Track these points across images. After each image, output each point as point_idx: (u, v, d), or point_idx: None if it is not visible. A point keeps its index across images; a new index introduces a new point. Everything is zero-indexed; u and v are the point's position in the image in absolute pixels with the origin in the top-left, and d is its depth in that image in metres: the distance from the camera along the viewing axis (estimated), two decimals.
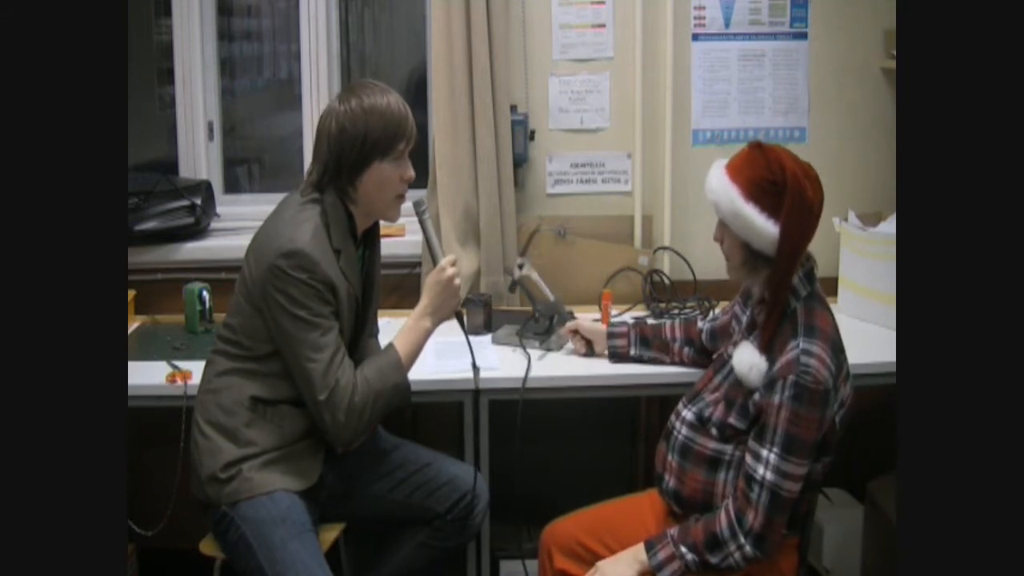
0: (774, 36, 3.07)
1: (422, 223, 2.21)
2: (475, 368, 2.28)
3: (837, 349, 1.94)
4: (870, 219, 2.86)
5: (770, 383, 1.90)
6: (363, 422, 2.06)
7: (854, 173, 3.10)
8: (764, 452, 1.89)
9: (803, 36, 3.07)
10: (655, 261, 3.07)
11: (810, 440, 1.87)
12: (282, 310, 2.02)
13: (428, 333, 2.17)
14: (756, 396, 1.93)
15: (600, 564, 2.02)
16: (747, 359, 1.95)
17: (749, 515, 1.89)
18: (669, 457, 2.09)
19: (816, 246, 2.02)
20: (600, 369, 2.53)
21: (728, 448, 1.99)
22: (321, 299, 2.04)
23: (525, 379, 2.43)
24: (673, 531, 1.98)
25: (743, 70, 3.07)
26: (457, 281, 2.16)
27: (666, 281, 3.02)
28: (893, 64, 2.99)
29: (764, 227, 1.90)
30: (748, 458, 1.92)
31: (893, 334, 2.49)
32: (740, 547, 1.90)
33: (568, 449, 3.14)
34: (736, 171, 1.95)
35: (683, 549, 1.94)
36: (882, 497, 2.74)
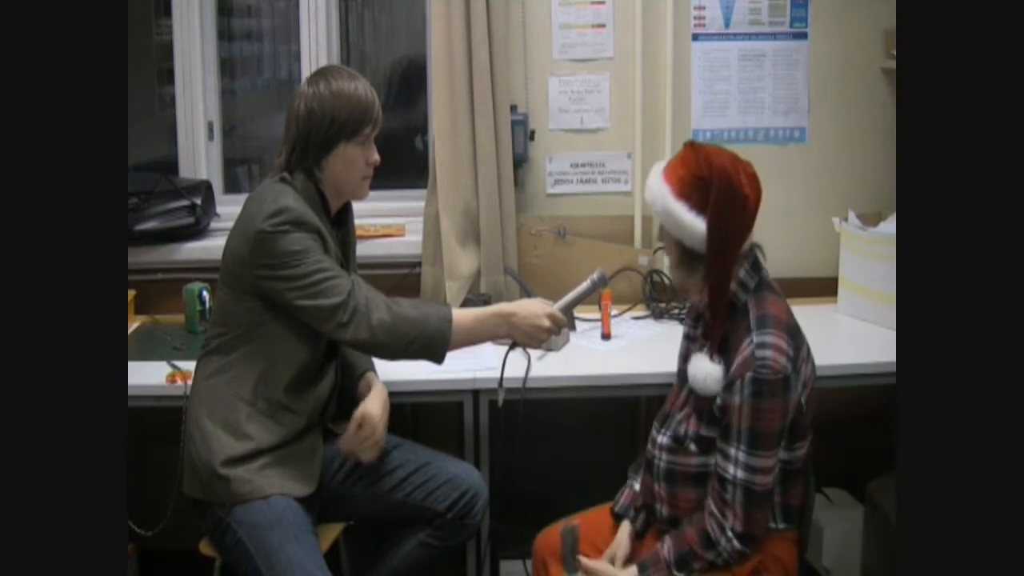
0: (774, 36, 3.07)
1: (588, 291, 2.20)
2: (500, 385, 2.28)
3: (792, 331, 1.94)
4: (870, 219, 2.86)
5: (729, 384, 1.90)
6: (393, 335, 2.06)
7: (854, 173, 3.10)
8: (732, 451, 1.90)
9: (803, 36, 3.07)
10: (655, 261, 3.07)
11: (775, 430, 1.88)
12: (281, 267, 2.03)
13: (494, 328, 2.15)
14: (718, 399, 1.94)
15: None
16: (700, 370, 1.96)
17: (729, 516, 1.91)
18: (656, 487, 2.07)
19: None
20: (600, 369, 2.53)
21: (711, 460, 1.98)
22: (318, 247, 2.06)
23: (525, 379, 2.43)
24: (667, 554, 1.97)
25: (743, 70, 3.07)
26: (544, 337, 2.17)
27: (666, 281, 3.02)
28: (893, 64, 2.99)
29: (692, 223, 1.91)
30: (718, 458, 1.93)
31: (893, 334, 2.48)
32: (729, 542, 1.92)
33: (568, 449, 3.14)
34: (671, 171, 1.97)
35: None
36: (882, 497, 2.74)
